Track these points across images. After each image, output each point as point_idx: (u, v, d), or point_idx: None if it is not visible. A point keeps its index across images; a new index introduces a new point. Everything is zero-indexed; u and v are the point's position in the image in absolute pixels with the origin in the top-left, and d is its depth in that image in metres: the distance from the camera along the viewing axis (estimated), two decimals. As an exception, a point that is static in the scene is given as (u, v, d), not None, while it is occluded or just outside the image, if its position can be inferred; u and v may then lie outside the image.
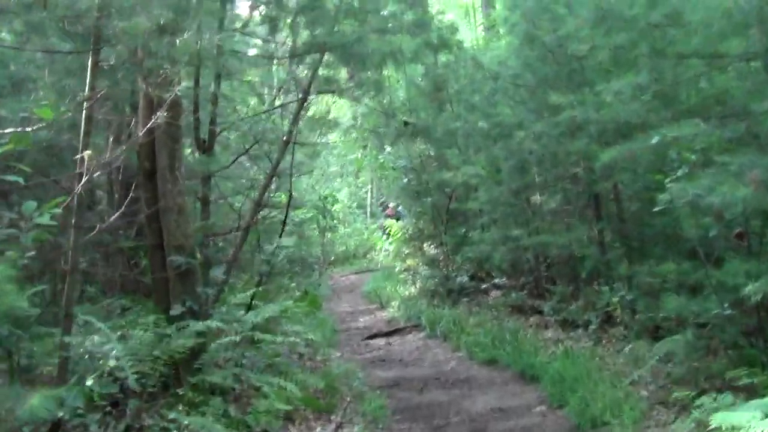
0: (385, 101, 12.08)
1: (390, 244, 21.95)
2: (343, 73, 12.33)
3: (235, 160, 10.80)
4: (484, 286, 15.43)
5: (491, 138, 12.61)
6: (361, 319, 17.20)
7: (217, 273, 9.29)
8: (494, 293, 15.27)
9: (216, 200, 12.59)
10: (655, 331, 9.92)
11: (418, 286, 18.06)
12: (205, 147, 10.92)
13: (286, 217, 12.41)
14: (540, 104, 11.24)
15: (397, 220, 22.53)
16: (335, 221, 30.67)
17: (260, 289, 11.41)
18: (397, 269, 20.46)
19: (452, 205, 16.53)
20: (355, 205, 35.32)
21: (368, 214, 34.88)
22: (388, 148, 18.46)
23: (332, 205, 29.92)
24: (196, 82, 10.57)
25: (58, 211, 6.05)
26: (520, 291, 14.03)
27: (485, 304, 14.84)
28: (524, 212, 13.51)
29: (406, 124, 11.16)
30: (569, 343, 11.02)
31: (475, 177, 13.74)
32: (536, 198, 13.85)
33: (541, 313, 12.99)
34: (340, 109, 27.75)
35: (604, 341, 10.61)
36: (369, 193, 35.29)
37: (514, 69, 11.88)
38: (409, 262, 19.64)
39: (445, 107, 15.49)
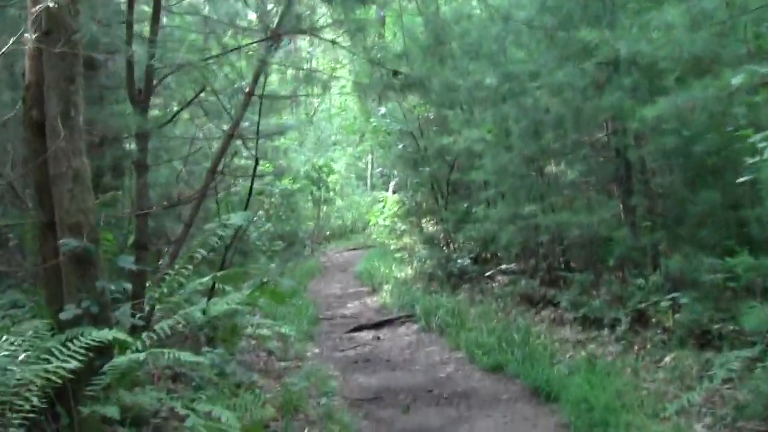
0: (374, 49, 9.85)
1: (384, 219, 19.82)
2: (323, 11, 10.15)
3: (177, 113, 8.62)
4: (488, 272, 13.24)
5: (500, 95, 10.37)
6: (350, 305, 15.15)
7: (127, 262, 7.16)
8: (500, 279, 13.15)
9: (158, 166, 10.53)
10: (701, 337, 7.83)
11: (414, 268, 15.96)
12: (141, 97, 8.77)
13: (251, 188, 10.28)
14: (563, 48, 9.03)
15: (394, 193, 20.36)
16: (331, 193, 28.62)
17: (218, 275, 9.42)
18: (392, 248, 18.37)
19: (454, 175, 14.36)
20: (353, 176, 33.15)
21: (368, 185, 32.67)
22: (383, 110, 16.25)
23: (328, 175, 27.83)
24: (130, 4, 8.40)
25: None
26: (531, 278, 11.88)
27: (489, 292, 12.75)
28: (537, 185, 11.32)
29: (395, 74, 8.98)
30: (592, 347, 8.95)
31: (479, 142, 11.54)
32: (551, 168, 11.70)
33: (555, 305, 10.88)
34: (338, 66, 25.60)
35: (636, 347, 8.48)
36: (369, 164, 33.07)
37: (528, 10, 9.62)
38: (406, 240, 17.54)
39: (447, 62, 13.26)
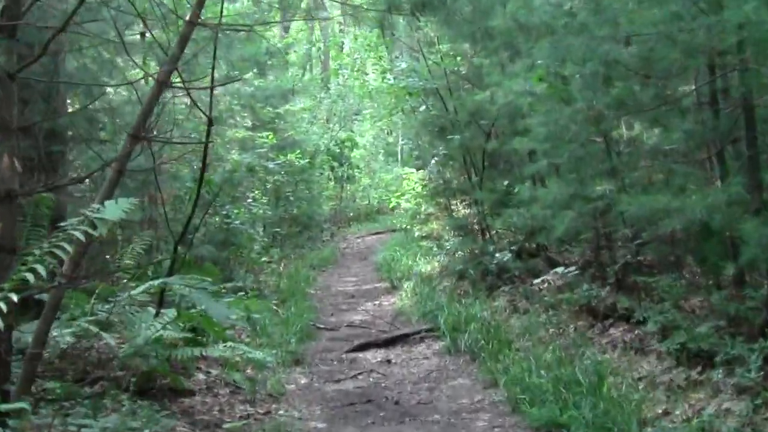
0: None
1: (407, 200, 16.74)
2: None
3: (49, 42, 5.53)
4: (537, 272, 10.07)
5: (559, 21, 7.13)
6: (361, 308, 12.20)
7: None
8: (551, 278, 10.02)
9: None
10: None
11: (442, 261, 12.91)
12: (4, 19, 5.80)
13: (204, 160, 7.29)
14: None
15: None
16: (355, 170, 25.71)
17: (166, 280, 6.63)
18: (416, 234, 15.32)
19: (491, 144, 11.22)
20: (382, 151, 30.04)
21: (400, 161, 29.53)
22: (403, 64, 13.11)
23: (351, 150, 24.89)
24: None
25: None
26: (595, 282, 8.75)
27: (537, 298, 9.67)
28: (609, 154, 8.17)
29: (403, -12, 5.97)
30: (698, 398, 5.86)
31: (525, 96, 8.39)
32: (622, 131, 8.59)
33: (630, 321, 7.80)
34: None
35: (776, 406, 5.38)
36: (400, 137, 29.92)
37: None
38: (433, 225, 14.47)
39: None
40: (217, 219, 11.54)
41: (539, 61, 7.80)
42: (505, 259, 10.47)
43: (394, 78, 13.44)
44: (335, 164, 24.10)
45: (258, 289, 12.31)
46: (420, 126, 13.34)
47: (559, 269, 8.10)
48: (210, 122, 6.93)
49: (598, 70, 7.21)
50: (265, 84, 14.77)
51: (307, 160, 17.83)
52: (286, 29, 27.79)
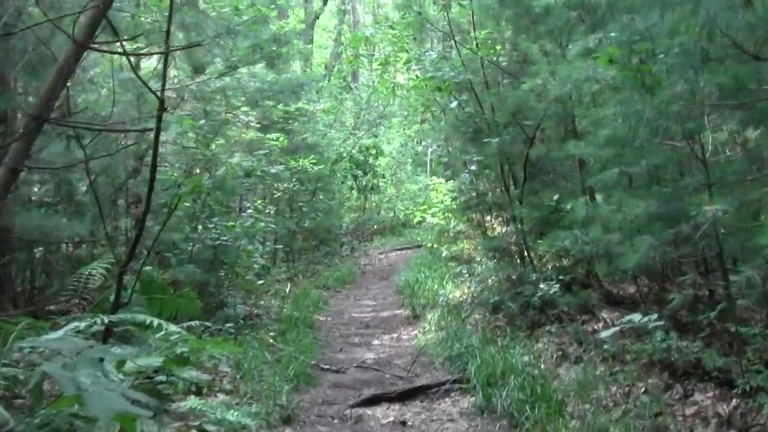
0: None
1: (434, 215, 14.74)
2: None
3: None
4: (590, 315, 8.08)
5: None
6: (376, 343, 10.25)
7: None
8: (610, 317, 8.04)
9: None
10: None
11: (473, 288, 10.93)
12: None
13: (155, 153, 5.39)
14: None
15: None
16: (381, 180, 23.88)
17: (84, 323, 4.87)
18: (443, 254, 13.32)
19: (537, 149, 9.20)
20: (410, 161, 28.08)
21: (428, 171, 27.63)
22: (433, 53, 11.10)
23: (376, 158, 23.04)
24: None
25: None
26: (673, 329, 6.72)
27: (592, 342, 7.65)
28: (693, 164, 6.17)
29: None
30: None
31: (590, 83, 6.37)
32: (709, 135, 6.58)
33: (720, 382, 5.83)
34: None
35: None
36: (429, 146, 27.98)
37: None
38: (463, 245, 12.48)
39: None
40: (214, 233, 9.70)
41: (612, 34, 5.76)
42: (551, 292, 8.44)
43: (422, 69, 11.32)
44: (359, 173, 22.27)
45: (257, 317, 10.49)
46: (450, 128, 11.20)
47: (635, 317, 6.04)
48: (161, 104, 5.04)
49: (694, 46, 5.20)
50: (274, 77, 12.90)
51: (323, 167, 15.92)
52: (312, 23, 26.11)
